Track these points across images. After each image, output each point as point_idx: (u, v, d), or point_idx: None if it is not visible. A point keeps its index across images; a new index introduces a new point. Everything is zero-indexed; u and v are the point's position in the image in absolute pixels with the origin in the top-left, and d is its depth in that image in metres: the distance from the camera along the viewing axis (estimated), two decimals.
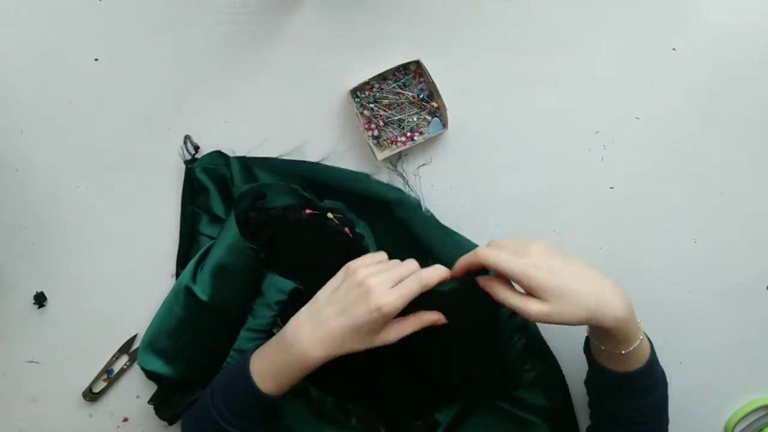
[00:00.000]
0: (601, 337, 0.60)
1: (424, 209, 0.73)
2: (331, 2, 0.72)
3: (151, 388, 0.75)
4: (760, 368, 0.75)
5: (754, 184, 0.73)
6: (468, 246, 0.71)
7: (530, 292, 0.57)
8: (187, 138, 0.73)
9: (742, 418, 0.74)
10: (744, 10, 0.71)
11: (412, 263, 0.61)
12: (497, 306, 0.63)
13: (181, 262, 0.74)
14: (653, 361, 0.62)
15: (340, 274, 0.61)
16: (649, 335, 0.70)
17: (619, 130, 0.73)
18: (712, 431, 0.76)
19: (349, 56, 0.73)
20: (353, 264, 0.60)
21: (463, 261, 0.61)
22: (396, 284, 0.58)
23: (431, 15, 0.72)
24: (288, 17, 0.73)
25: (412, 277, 0.58)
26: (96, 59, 0.74)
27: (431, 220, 0.73)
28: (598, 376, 0.64)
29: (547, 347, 0.72)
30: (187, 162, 0.74)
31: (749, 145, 0.73)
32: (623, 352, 0.59)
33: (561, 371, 0.73)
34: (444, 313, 0.62)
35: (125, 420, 0.77)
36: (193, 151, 0.74)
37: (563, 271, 0.57)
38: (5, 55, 0.74)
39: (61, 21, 0.73)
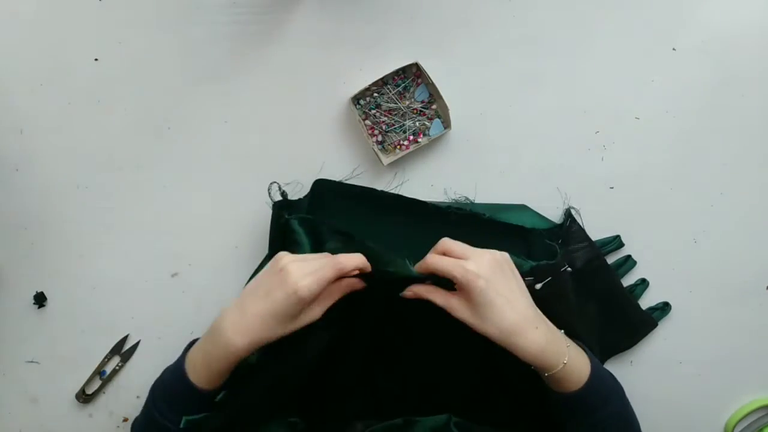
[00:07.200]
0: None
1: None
2: (331, 3, 0.72)
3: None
4: (760, 368, 0.75)
5: (754, 184, 0.73)
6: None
7: (464, 296, 0.59)
8: (272, 185, 0.70)
9: (742, 418, 0.74)
10: (744, 10, 0.71)
11: (337, 255, 0.61)
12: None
13: None
14: (592, 383, 0.60)
15: (267, 265, 0.61)
16: (648, 335, 0.70)
17: (619, 130, 0.73)
18: (712, 431, 0.76)
19: (349, 56, 0.73)
20: (279, 254, 0.61)
21: (419, 267, 0.62)
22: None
23: (431, 15, 0.72)
24: (288, 17, 0.73)
25: (328, 261, 0.59)
26: (96, 59, 0.74)
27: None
28: (550, 401, 0.64)
29: None
30: (275, 206, 0.70)
31: (749, 144, 0.73)
32: (546, 375, 0.59)
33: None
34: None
35: (125, 420, 0.77)
36: (279, 198, 0.71)
37: (499, 288, 0.58)
38: (5, 56, 0.74)
39: (61, 21, 0.73)
